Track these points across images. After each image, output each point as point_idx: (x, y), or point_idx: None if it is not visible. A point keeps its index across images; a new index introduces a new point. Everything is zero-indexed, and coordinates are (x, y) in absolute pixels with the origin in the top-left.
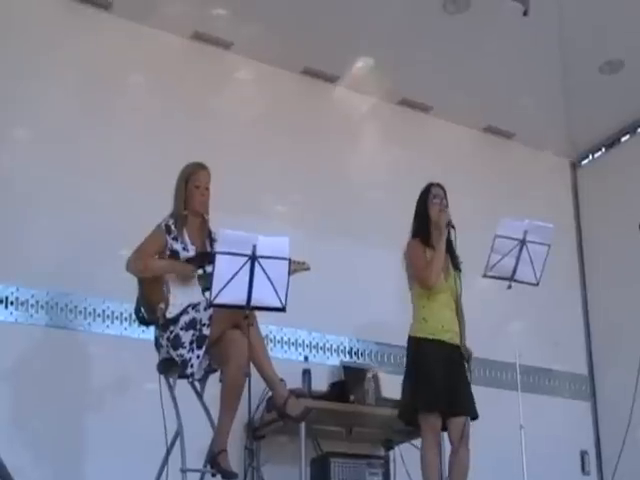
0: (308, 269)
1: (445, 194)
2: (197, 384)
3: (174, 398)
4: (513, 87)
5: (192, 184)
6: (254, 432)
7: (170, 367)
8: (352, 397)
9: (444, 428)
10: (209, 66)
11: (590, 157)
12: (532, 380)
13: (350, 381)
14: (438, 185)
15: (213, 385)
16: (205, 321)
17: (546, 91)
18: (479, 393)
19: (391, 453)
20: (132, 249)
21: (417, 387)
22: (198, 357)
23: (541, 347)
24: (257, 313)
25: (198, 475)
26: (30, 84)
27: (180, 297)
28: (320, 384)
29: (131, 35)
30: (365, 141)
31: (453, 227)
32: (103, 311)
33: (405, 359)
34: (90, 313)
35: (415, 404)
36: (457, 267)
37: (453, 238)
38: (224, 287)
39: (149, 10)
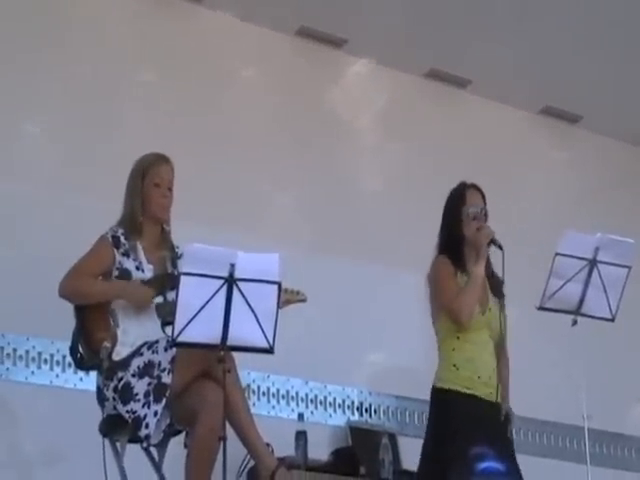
0: (304, 300)
1: (484, 200)
2: (154, 450)
3: (122, 469)
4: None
5: (150, 181)
6: None
7: (118, 427)
8: (362, 469)
9: None
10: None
11: None
12: (605, 450)
13: (360, 447)
14: (474, 187)
15: (176, 451)
16: (165, 365)
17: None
18: (534, 466)
19: None
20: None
21: (444, 459)
22: (156, 414)
23: (618, 405)
24: (236, 356)
25: None
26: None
27: (132, 333)
28: (319, 451)
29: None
30: (372, 124)
31: (500, 247)
32: (27, 352)
33: (428, 418)
34: (9, 355)
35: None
36: (499, 293)
37: (502, 263)
38: (191, 320)
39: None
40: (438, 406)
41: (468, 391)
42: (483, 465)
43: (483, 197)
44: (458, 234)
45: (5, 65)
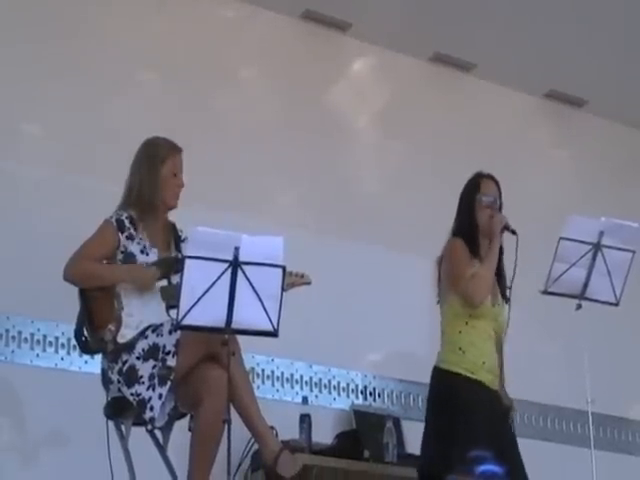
0: (309, 283)
1: (499, 191)
2: (159, 433)
3: (127, 452)
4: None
5: (169, 170)
6: None
7: (122, 410)
8: (366, 452)
9: None
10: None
11: None
12: (609, 434)
13: (363, 431)
14: (490, 177)
15: (180, 434)
16: (170, 348)
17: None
18: (538, 450)
19: None
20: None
21: (450, 439)
22: (160, 397)
23: (622, 390)
24: (240, 339)
25: None
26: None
27: (137, 316)
28: (324, 434)
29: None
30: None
31: (514, 232)
32: (31, 335)
33: (428, 400)
34: (14, 337)
35: (446, 463)
36: (504, 295)
37: (516, 248)
38: (196, 303)
39: None
40: (443, 389)
41: (473, 376)
42: (482, 468)
43: (498, 189)
44: (471, 221)
45: (6, 63)
